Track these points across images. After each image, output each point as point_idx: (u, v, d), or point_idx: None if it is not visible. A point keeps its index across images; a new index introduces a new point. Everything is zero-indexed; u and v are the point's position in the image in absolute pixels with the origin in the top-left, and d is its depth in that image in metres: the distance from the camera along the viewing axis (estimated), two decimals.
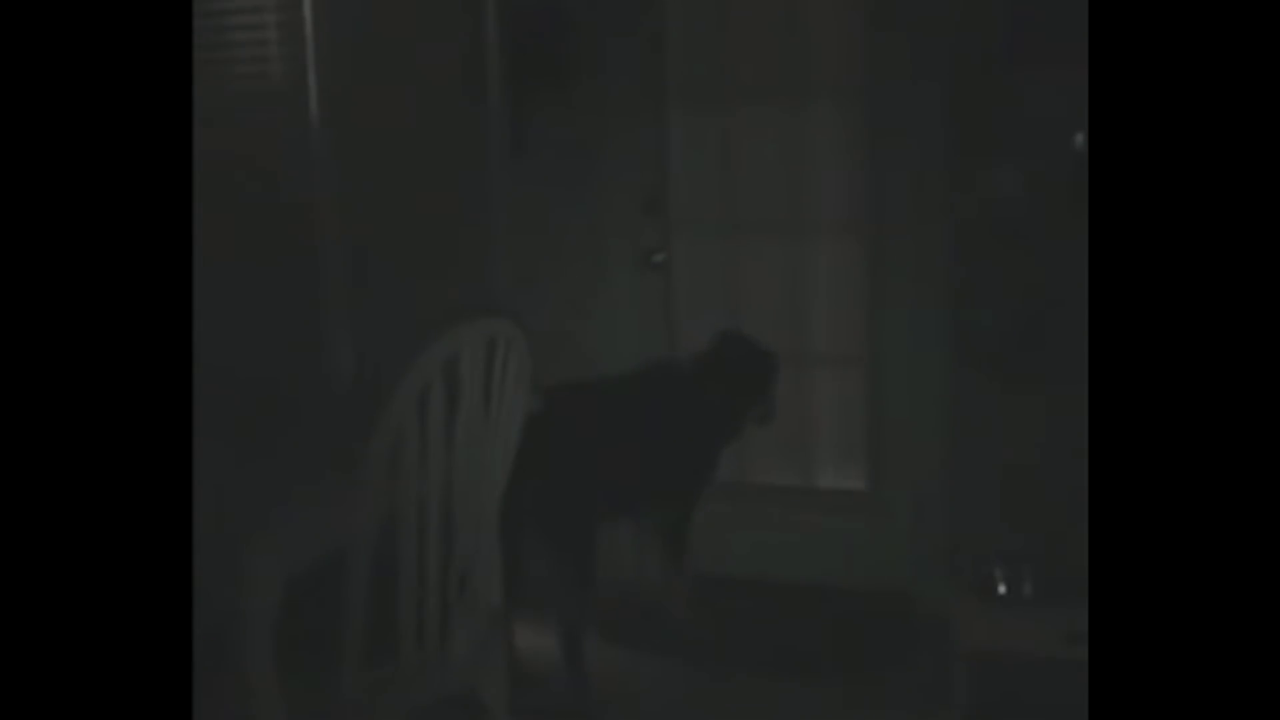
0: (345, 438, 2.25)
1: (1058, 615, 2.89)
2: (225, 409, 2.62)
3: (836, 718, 3.04)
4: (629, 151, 3.75)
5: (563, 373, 3.16)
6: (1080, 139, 3.15)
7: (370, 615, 2.10)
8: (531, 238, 3.80)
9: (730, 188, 3.81)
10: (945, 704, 2.97)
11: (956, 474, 3.45)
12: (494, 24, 3.72)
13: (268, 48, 3.94)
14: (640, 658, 3.39)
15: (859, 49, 3.57)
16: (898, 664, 3.27)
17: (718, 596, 3.61)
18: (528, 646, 3.23)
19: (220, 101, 3.83)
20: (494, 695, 2.56)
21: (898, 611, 3.54)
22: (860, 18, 3.54)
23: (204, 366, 1.98)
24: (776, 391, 3.49)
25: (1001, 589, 3.10)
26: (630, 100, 3.73)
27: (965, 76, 3.28)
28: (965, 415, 3.41)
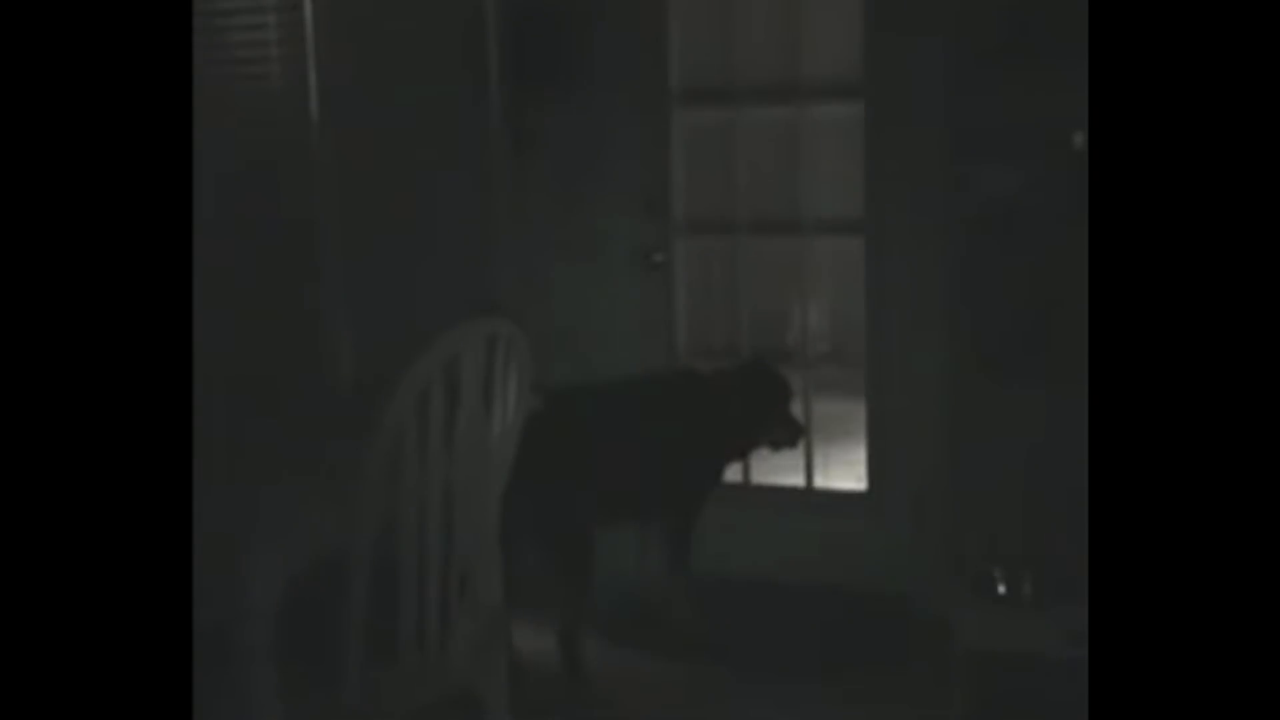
0: (345, 438, 2.25)
1: (1058, 615, 2.89)
2: (225, 409, 2.63)
3: (836, 717, 3.04)
4: (629, 151, 3.75)
5: (563, 373, 3.16)
6: (1080, 139, 3.14)
7: (370, 615, 2.10)
8: (531, 237, 3.80)
9: (730, 188, 3.81)
10: (945, 704, 2.97)
11: (956, 474, 3.45)
12: (494, 23, 3.72)
13: (268, 48, 3.95)
14: (640, 658, 3.39)
15: (859, 48, 3.57)
16: (898, 664, 3.27)
17: (718, 596, 3.61)
18: (528, 646, 3.23)
19: (220, 101, 3.83)
20: (494, 695, 2.56)
21: (898, 611, 3.53)
22: (859, 17, 3.54)
23: (204, 367, 1.99)
24: (794, 417, 3.52)
25: (1001, 589, 3.09)
26: (630, 100, 3.73)
27: (965, 76, 3.27)
28: (965, 415, 3.40)
